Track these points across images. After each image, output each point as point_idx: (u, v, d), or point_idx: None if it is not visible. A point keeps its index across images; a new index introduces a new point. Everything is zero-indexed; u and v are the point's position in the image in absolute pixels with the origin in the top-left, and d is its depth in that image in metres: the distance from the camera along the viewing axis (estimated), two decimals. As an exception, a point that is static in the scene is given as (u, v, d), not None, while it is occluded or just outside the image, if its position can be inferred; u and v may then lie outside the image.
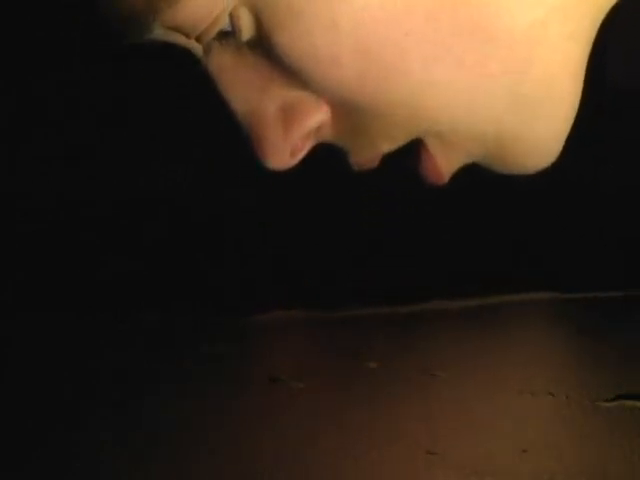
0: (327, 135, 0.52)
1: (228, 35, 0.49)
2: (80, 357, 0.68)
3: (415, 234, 1.28)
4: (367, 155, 0.52)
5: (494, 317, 1.00)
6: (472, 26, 0.48)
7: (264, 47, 0.49)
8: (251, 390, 0.57)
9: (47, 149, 1.18)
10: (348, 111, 0.50)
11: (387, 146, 0.51)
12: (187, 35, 0.48)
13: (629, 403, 0.51)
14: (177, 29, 0.48)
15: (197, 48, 0.51)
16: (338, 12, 0.47)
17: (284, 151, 0.52)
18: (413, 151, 0.52)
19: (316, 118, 0.51)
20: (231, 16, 0.48)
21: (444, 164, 0.51)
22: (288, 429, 0.51)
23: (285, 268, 1.06)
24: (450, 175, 0.52)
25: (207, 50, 0.50)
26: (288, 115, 0.52)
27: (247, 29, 0.49)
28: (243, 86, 0.53)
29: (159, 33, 0.49)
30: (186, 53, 0.50)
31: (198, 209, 1.23)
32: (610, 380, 0.58)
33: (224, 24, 0.48)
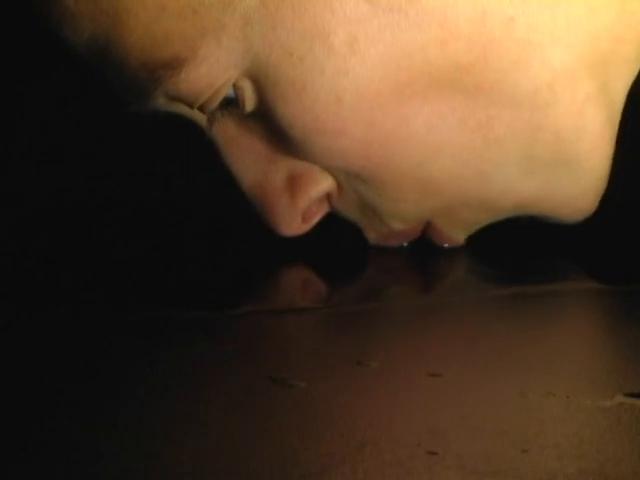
0: (338, 206, 0.52)
1: (231, 106, 0.48)
2: (79, 357, 0.68)
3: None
4: (378, 232, 0.51)
5: (495, 312, 1.00)
6: (475, 89, 0.47)
7: (267, 118, 0.48)
8: (252, 390, 0.57)
9: (48, 149, 1.18)
10: (355, 184, 0.49)
11: (398, 226, 0.50)
12: (190, 105, 0.48)
13: (630, 403, 0.51)
14: (180, 99, 0.47)
15: (201, 118, 0.51)
16: (341, 86, 0.46)
17: (294, 219, 0.51)
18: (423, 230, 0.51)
19: (322, 187, 0.50)
20: (234, 87, 0.47)
21: (457, 234, 0.51)
22: (289, 429, 0.51)
23: (285, 265, 1.06)
24: (466, 237, 0.52)
25: (211, 120, 0.50)
26: (293, 185, 0.51)
27: (250, 101, 0.48)
28: (248, 157, 0.52)
29: (162, 102, 0.49)
30: (189, 122, 0.50)
31: (198, 209, 1.23)
32: (611, 379, 0.58)
33: (227, 95, 0.48)
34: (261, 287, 1.01)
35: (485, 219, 0.51)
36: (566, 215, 0.52)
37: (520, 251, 1.02)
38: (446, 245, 0.50)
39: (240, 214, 1.11)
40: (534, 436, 0.48)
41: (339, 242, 1.08)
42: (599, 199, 0.52)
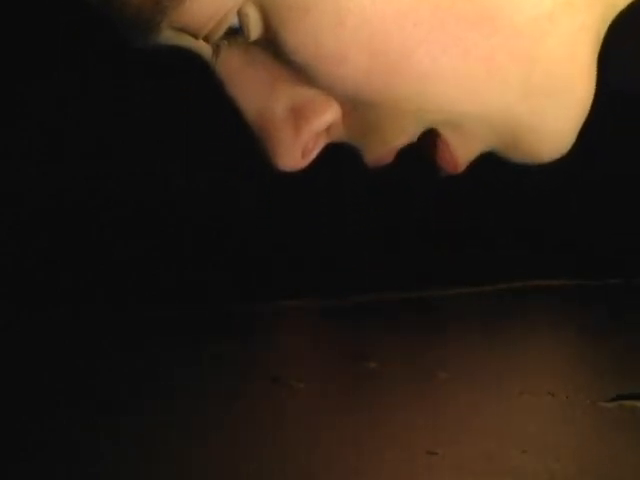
0: (339, 134, 0.52)
1: (236, 35, 0.49)
2: (79, 356, 0.68)
3: (421, 220, 1.28)
4: (381, 152, 0.52)
5: (494, 308, 1.01)
6: (478, 17, 0.48)
7: (272, 46, 0.48)
8: (252, 390, 0.57)
9: (47, 149, 1.18)
10: (357, 108, 0.50)
11: (400, 141, 0.51)
12: (195, 36, 0.48)
13: (629, 403, 0.51)
14: (184, 29, 0.48)
15: (205, 49, 0.51)
16: (344, 9, 0.47)
17: (295, 152, 0.51)
18: (428, 141, 0.52)
19: (326, 117, 0.51)
20: (239, 14, 0.47)
21: (461, 153, 0.51)
22: (288, 429, 0.51)
23: (285, 260, 1.06)
24: (466, 164, 0.53)
25: (215, 51, 0.50)
26: (298, 115, 0.51)
27: (255, 28, 0.49)
28: (252, 86, 0.52)
29: (167, 35, 0.49)
30: (192, 56, 0.50)
31: (198, 209, 1.23)
32: (610, 380, 0.58)
33: (232, 23, 0.48)
34: (261, 287, 1.01)
35: (484, 137, 0.52)
36: (544, 151, 0.53)
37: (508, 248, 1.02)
38: (447, 171, 0.50)
39: (240, 214, 1.11)
40: (534, 436, 0.48)
41: (336, 241, 1.08)
42: (573, 140, 0.53)
